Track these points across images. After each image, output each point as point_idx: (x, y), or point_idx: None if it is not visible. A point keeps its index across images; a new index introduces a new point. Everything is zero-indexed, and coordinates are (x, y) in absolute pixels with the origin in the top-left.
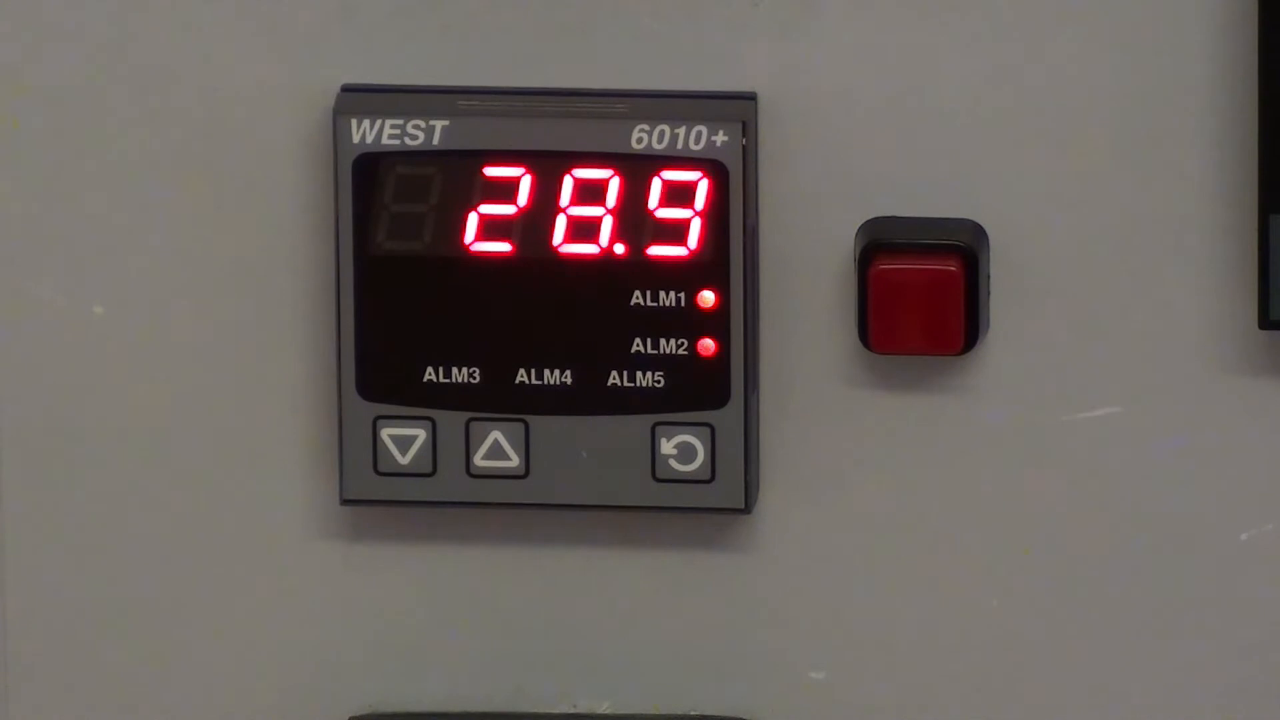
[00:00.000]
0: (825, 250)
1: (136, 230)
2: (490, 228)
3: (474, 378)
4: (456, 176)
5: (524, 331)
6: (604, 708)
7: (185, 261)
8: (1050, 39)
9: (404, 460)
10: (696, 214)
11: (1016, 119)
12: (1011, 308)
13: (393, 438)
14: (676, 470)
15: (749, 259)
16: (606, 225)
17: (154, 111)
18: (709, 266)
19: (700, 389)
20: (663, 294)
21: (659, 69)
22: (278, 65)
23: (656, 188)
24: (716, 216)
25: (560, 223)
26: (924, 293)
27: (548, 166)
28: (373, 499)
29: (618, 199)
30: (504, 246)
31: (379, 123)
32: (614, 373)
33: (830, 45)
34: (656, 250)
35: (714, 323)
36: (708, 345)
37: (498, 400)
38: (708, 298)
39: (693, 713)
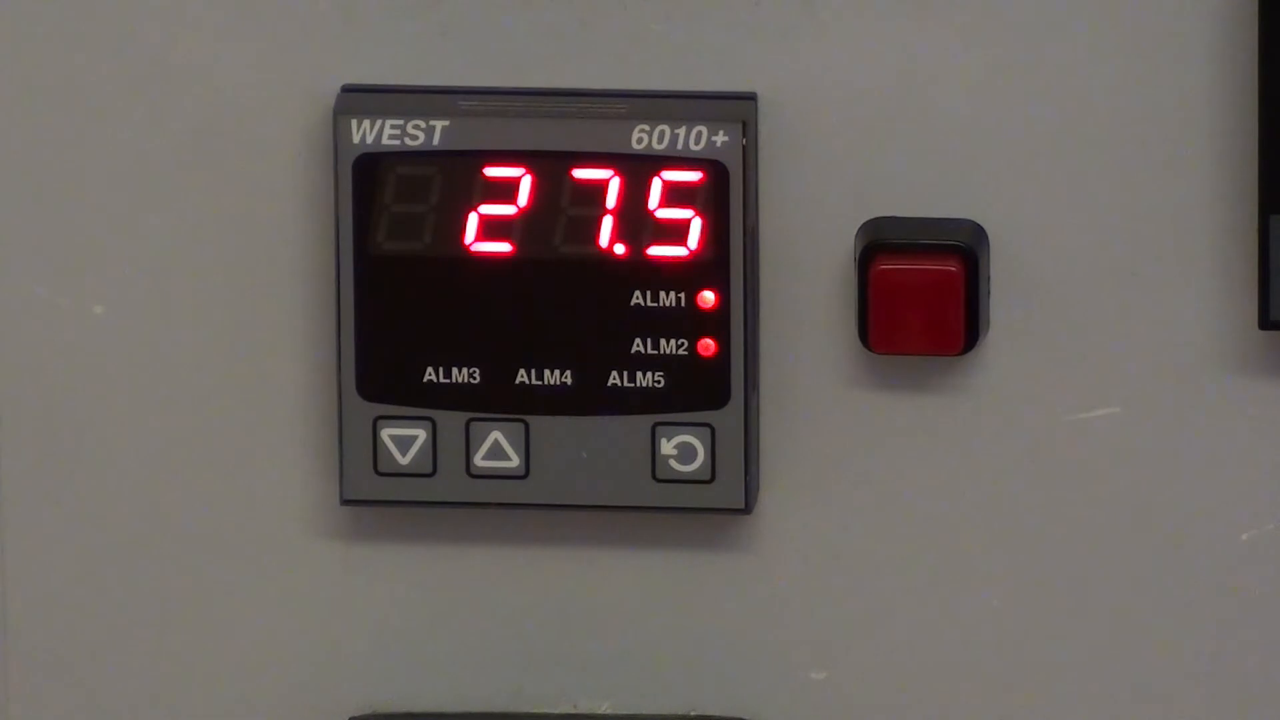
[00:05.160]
0: (825, 250)
1: (136, 230)
2: (490, 228)
3: (474, 378)
4: (456, 176)
5: (524, 331)
6: (604, 708)
7: (185, 261)
8: (1050, 39)
9: (404, 460)
10: (696, 214)
11: (1016, 119)
12: (1011, 308)
13: (393, 438)
14: (676, 470)
15: (749, 259)
16: (606, 225)
17: (154, 111)
18: (709, 266)
19: (700, 389)
20: (663, 294)
21: (659, 69)
22: (278, 65)
23: (656, 188)
24: (716, 216)
25: (560, 223)
26: (924, 293)
27: (548, 166)
28: (373, 499)
29: (618, 199)
30: (504, 247)
31: (379, 123)
32: (614, 373)
33: (830, 45)
34: (656, 250)
35: (714, 323)
36: (708, 345)
37: (498, 400)
38: (708, 298)
39: (693, 713)
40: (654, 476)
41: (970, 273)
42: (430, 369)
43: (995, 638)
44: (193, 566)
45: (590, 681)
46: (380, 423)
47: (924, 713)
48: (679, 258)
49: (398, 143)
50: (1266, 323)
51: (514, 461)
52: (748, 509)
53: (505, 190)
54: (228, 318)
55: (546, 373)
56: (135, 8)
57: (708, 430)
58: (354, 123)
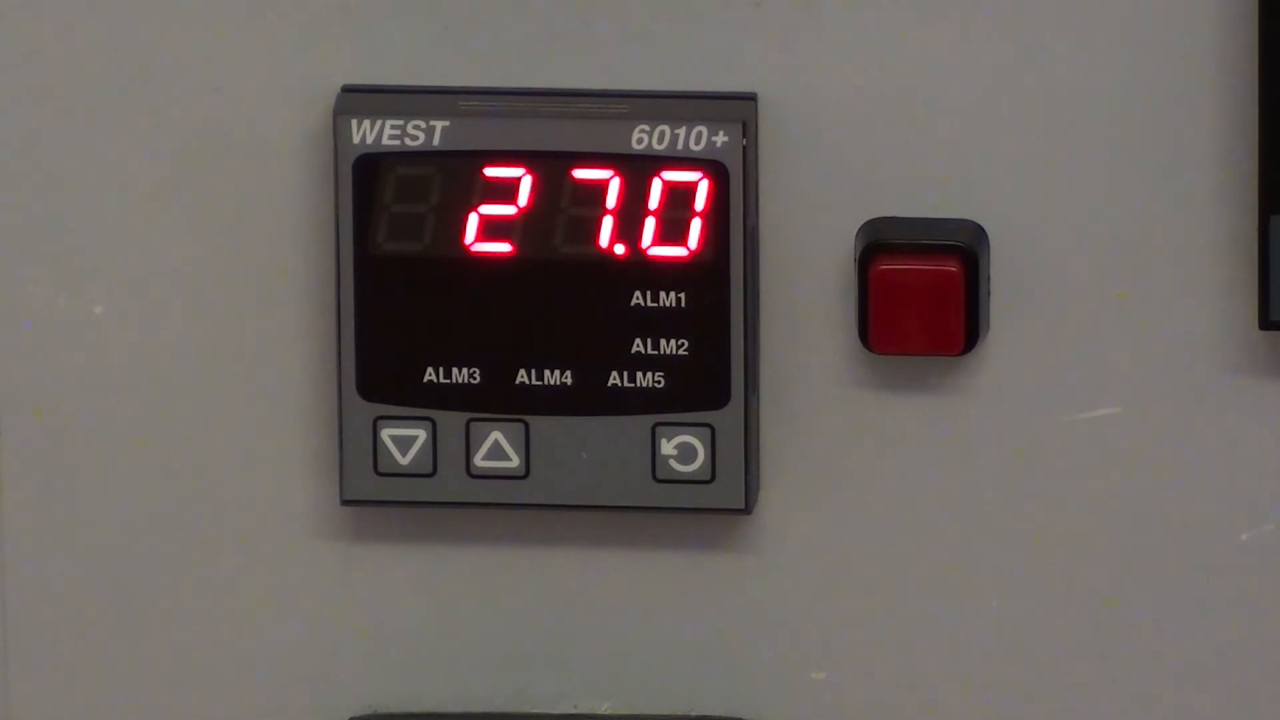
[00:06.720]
0: (825, 250)
1: (136, 230)
2: (490, 228)
3: (474, 378)
4: (456, 177)
5: (524, 331)
6: (604, 708)
7: (185, 261)
8: (1051, 39)
9: (404, 461)
10: (696, 214)
11: (1016, 119)
12: (1011, 308)
13: (393, 438)
14: (676, 470)
15: (749, 259)
16: (606, 225)
17: (154, 112)
18: (709, 266)
19: (700, 389)
20: (663, 294)
21: (659, 69)
22: (278, 65)
23: (656, 188)
24: (716, 216)
25: (560, 223)
26: (924, 293)
27: (548, 167)
28: (373, 499)
29: (618, 199)
30: (504, 247)
31: (379, 123)
32: (614, 373)
33: (830, 45)
34: (656, 250)
35: (714, 323)
36: (708, 345)
37: (498, 400)
38: (708, 298)
39: (693, 713)
40: (654, 477)
41: (970, 273)
42: (430, 369)
43: (995, 637)
44: (193, 567)
45: (590, 681)
46: (380, 423)
47: (924, 713)
48: (679, 258)
49: (398, 143)
50: (1266, 323)
51: (514, 461)
52: (748, 509)
53: (505, 190)
54: (228, 318)
55: (546, 373)
56: (135, 7)
57: (708, 430)
58: (354, 123)
